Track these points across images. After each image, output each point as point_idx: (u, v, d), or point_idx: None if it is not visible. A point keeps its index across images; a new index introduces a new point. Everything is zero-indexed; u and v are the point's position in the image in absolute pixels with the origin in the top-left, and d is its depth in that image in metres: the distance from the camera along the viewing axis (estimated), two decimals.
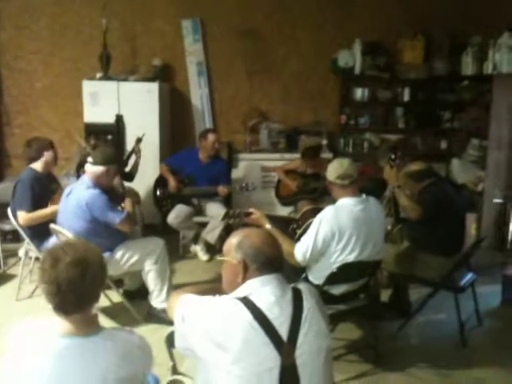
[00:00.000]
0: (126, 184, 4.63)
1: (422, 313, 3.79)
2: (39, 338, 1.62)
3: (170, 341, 1.99)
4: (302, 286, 1.87)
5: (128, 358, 1.65)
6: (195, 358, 1.77)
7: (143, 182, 5.23)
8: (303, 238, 3.01)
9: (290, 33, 6.33)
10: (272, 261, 1.81)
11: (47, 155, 4.11)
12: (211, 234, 5.07)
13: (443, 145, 6.53)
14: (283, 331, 1.69)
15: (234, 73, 6.37)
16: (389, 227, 4.16)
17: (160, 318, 3.70)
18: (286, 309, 1.73)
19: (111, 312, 3.89)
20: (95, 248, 1.71)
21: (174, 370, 2.19)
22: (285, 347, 1.68)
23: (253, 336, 1.66)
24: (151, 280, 3.76)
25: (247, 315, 1.68)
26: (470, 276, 3.74)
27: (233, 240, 1.87)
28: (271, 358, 1.66)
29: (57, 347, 1.58)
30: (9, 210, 4.06)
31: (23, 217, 3.91)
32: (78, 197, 3.57)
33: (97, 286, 1.67)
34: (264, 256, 1.80)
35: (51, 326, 1.64)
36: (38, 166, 4.09)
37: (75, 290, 1.58)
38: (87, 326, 1.64)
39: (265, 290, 1.76)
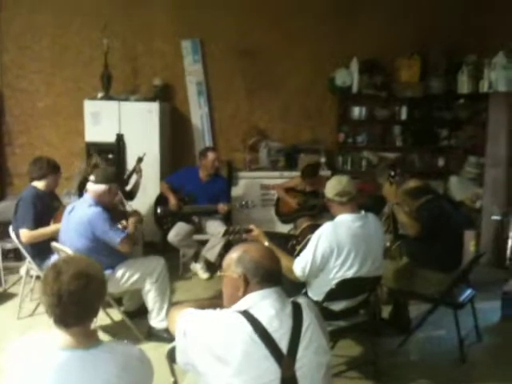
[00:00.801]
0: (130, 204, 4.67)
1: (422, 329, 3.81)
2: (40, 351, 1.64)
3: (171, 356, 2.01)
4: (301, 299, 1.90)
5: (128, 369, 1.67)
6: (196, 372, 1.79)
7: (144, 201, 5.27)
8: (302, 254, 3.04)
9: (288, 52, 6.43)
10: (272, 274, 1.84)
11: (51, 178, 4.15)
12: (211, 252, 5.09)
13: (440, 162, 6.60)
14: (283, 344, 1.72)
15: (234, 92, 6.46)
16: (388, 243, 4.18)
17: (160, 337, 3.70)
18: (285, 322, 1.76)
19: (112, 330, 3.89)
20: (96, 263, 1.75)
21: None
22: (285, 360, 1.70)
23: (253, 349, 1.68)
24: (151, 299, 3.77)
25: (248, 328, 1.70)
26: (469, 292, 3.76)
27: (233, 255, 1.90)
28: (271, 371, 1.68)
29: (58, 360, 1.60)
30: (10, 228, 4.09)
31: (25, 234, 3.93)
32: (79, 215, 3.61)
33: (97, 300, 1.70)
34: (264, 269, 1.83)
35: (51, 339, 1.66)
36: (40, 184, 4.13)
37: (76, 302, 1.61)
38: (87, 339, 1.67)
39: (265, 304, 1.78)
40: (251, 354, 1.68)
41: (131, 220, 3.91)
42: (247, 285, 1.83)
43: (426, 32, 6.33)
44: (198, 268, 5.27)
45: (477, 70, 5.90)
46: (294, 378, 1.71)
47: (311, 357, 1.75)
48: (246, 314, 1.74)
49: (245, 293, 1.83)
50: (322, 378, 1.77)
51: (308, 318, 1.81)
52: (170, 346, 2.05)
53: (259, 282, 1.82)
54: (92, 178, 3.72)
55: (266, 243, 3.14)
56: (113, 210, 3.82)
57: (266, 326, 1.72)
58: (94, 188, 3.69)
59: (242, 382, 1.66)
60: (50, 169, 4.16)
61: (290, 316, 1.78)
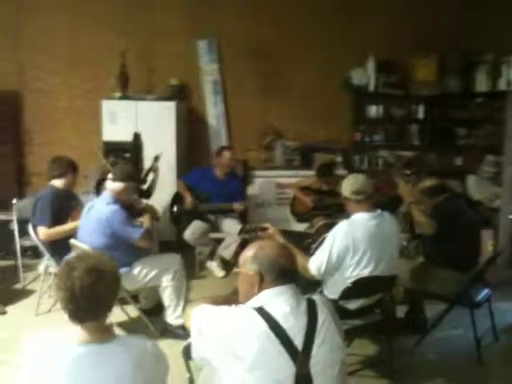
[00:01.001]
0: (145, 201, 4.71)
1: (438, 329, 3.78)
2: (55, 346, 1.67)
3: (186, 352, 2.02)
4: (316, 297, 1.91)
5: (142, 364, 1.69)
6: (211, 368, 1.81)
7: (160, 199, 5.29)
8: (317, 252, 3.05)
9: (302, 52, 6.42)
10: (287, 271, 1.86)
11: (69, 177, 4.21)
12: (227, 250, 5.12)
13: (458, 162, 6.53)
14: (298, 341, 1.73)
15: (249, 91, 6.47)
16: (404, 243, 4.17)
17: (176, 334, 3.72)
18: (300, 319, 1.77)
19: (128, 327, 3.93)
20: (109, 259, 1.79)
21: (191, 382, 2.22)
22: (299, 357, 1.71)
23: (268, 345, 1.69)
24: (167, 296, 3.80)
25: (263, 325, 1.72)
26: (485, 292, 3.73)
27: (248, 252, 1.92)
28: (286, 368, 1.69)
29: (73, 355, 1.63)
30: (29, 226, 4.15)
31: (43, 232, 3.99)
32: (98, 212, 3.66)
33: (110, 294, 1.73)
34: (279, 267, 1.84)
35: (67, 335, 1.69)
36: (58, 183, 4.18)
37: (89, 296, 1.63)
38: (102, 334, 1.69)
39: (280, 300, 1.80)
40: (266, 350, 1.69)
41: (147, 215, 3.94)
42: (262, 282, 1.85)
43: (443, 30, 6.26)
44: (213, 266, 5.29)
45: (494, 68, 5.85)
46: (308, 374, 1.72)
47: (326, 354, 1.76)
48: (261, 311, 1.76)
49: (260, 289, 1.84)
50: (337, 375, 1.78)
51: (323, 315, 1.82)
52: (185, 342, 2.07)
53: (274, 280, 1.83)
54: (110, 176, 3.77)
55: (282, 241, 3.15)
56: (130, 208, 3.86)
57: (281, 322, 1.73)
58: (112, 186, 3.74)
59: (256, 377, 1.67)
60: (69, 168, 4.22)
61: (305, 313, 1.79)
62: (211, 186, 5.26)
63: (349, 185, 3.18)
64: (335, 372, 1.77)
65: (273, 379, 1.68)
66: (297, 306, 1.80)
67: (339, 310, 2.69)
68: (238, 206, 5.15)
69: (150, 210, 4.07)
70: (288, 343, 1.71)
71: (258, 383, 1.67)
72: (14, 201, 4.83)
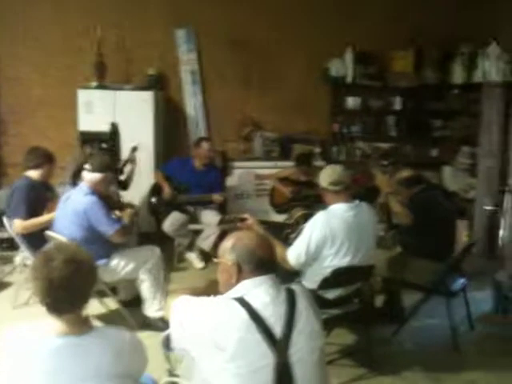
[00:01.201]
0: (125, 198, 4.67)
1: (415, 318, 3.84)
2: (33, 339, 1.65)
3: (166, 343, 2.02)
4: (295, 286, 1.92)
5: (121, 354, 1.69)
6: (191, 359, 1.81)
7: (138, 190, 5.26)
8: (296, 243, 3.06)
9: (282, 43, 6.42)
10: (265, 262, 1.86)
11: (46, 168, 4.15)
12: (206, 242, 5.11)
13: (434, 153, 6.62)
14: (277, 330, 1.74)
15: (228, 82, 6.44)
16: (382, 233, 4.21)
17: (156, 326, 3.69)
18: (279, 308, 1.78)
19: (107, 319, 3.90)
20: (85, 250, 1.77)
21: (171, 374, 2.22)
22: (278, 345, 1.72)
23: (248, 335, 1.70)
24: (146, 289, 3.77)
25: (242, 314, 1.72)
26: (461, 281, 3.79)
27: (227, 243, 1.93)
28: (266, 356, 1.70)
29: (50, 346, 1.62)
30: (4, 218, 4.09)
31: (19, 224, 3.93)
32: (75, 204, 3.60)
33: (88, 286, 1.72)
34: (257, 257, 1.85)
35: (44, 327, 1.67)
36: (34, 174, 4.12)
37: (67, 287, 1.62)
38: (80, 326, 1.68)
39: (259, 290, 1.81)
40: (246, 339, 1.70)
41: (128, 211, 3.90)
42: (240, 272, 1.86)
43: (421, 22, 6.31)
44: (193, 257, 5.28)
45: (470, 60, 5.92)
46: (288, 363, 1.73)
47: (305, 342, 1.77)
48: (241, 301, 1.76)
49: (238, 280, 1.85)
50: (316, 362, 1.80)
51: (302, 303, 1.83)
52: (164, 333, 2.06)
53: (252, 270, 1.84)
54: (87, 166, 3.71)
55: (261, 231, 3.15)
56: (107, 199, 3.81)
57: (260, 312, 1.74)
58: (89, 177, 3.68)
59: (236, 366, 1.68)
60: (46, 158, 4.16)
61: (284, 302, 1.80)
62: (190, 176, 5.24)
63: (327, 176, 3.20)
64: (314, 359, 1.79)
65: (253, 368, 1.69)
66: (276, 296, 1.81)
67: (318, 300, 2.73)
68: (217, 197, 5.14)
69: (130, 207, 4.03)
70: (267, 332, 1.72)
71: (239, 372, 1.68)
72: None
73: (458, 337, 3.63)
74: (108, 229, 3.59)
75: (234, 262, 1.86)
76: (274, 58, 6.45)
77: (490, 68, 5.42)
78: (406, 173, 4.00)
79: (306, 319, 1.81)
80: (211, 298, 1.84)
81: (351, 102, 6.49)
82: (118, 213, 3.92)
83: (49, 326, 1.66)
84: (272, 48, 6.42)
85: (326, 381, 1.87)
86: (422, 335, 3.85)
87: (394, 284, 3.95)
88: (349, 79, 6.33)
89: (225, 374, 1.69)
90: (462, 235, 5.36)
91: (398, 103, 6.51)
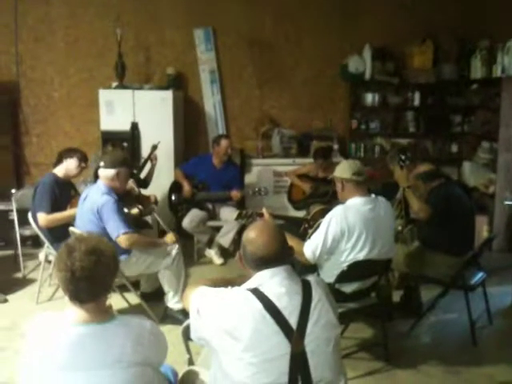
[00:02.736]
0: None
1: (433, 312, 3.86)
2: (56, 327, 1.71)
3: (186, 333, 2.07)
4: (310, 277, 1.96)
5: (141, 343, 1.73)
6: (209, 348, 1.86)
7: (158, 188, 5.33)
8: (313, 237, 3.09)
9: (298, 40, 6.47)
10: (270, 258, 1.87)
11: (69, 162, 4.21)
12: (225, 238, 5.16)
13: (454, 148, 6.59)
14: (292, 320, 1.77)
15: (246, 80, 6.50)
16: (399, 228, 4.21)
17: (176, 318, 3.76)
18: (295, 299, 1.81)
19: (128, 313, 3.96)
20: (106, 240, 1.82)
21: (190, 362, 2.27)
22: (294, 335, 1.76)
23: (263, 325, 1.74)
24: (167, 281, 3.84)
25: (258, 305, 1.76)
26: (480, 275, 3.77)
27: (243, 236, 1.99)
28: (281, 346, 1.74)
29: (72, 334, 1.67)
30: (29, 215, 4.18)
31: (43, 218, 4.01)
32: (91, 203, 3.63)
33: (109, 275, 1.76)
34: (257, 258, 1.89)
35: (67, 316, 1.73)
36: (59, 171, 4.21)
37: (88, 277, 1.67)
38: (101, 314, 1.73)
39: (275, 281, 1.84)
40: (261, 330, 1.74)
41: (171, 235, 3.84)
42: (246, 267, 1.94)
43: (438, 17, 6.29)
44: (212, 254, 5.34)
45: (490, 54, 5.87)
46: (303, 352, 1.76)
47: (320, 332, 1.80)
48: (256, 292, 1.80)
49: (253, 272, 1.91)
50: (331, 352, 1.83)
51: (317, 294, 1.86)
52: (185, 323, 2.11)
53: (255, 267, 1.90)
54: (101, 163, 3.73)
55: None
56: (127, 196, 3.86)
57: (275, 302, 1.78)
58: (103, 173, 3.70)
59: (252, 356, 1.72)
60: (71, 154, 4.25)
61: (300, 293, 1.84)
62: (209, 174, 5.30)
63: (348, 167, 3.21)
64: (329, 349, 1.82)
65: (269, 358, 1.73)
66: (291, 286, 1.84)
67: (335, 293, 2.74)
68: (235, 193, 5.19)
69: (150, 199, 4.04)
70: (283, 322, 1.76)
71: (255, 362, 1.72)
72: (13, 191, 4.86)
73: (476, 331, 3.61)
74: (113, 231, 3.56)
75: (240, 256, 1.98)
76: (290, 57, 6.48)
77: (509, 63, 5.37)
78: (424, 167, 4.00)
79: (322, 310, 1.84)
80: (227, 290, 1.89)
81: (370, 98, 6.49)
82: (140, 206, 3.95)
83: (71, 315, 1.72)
84: (288, 47, 6.46)
85: (341, 371, 1.89)
86: (439, 330, 3.84)
87: (412, 279, 3.95)
88: (367, 76, 6.32)
89: (240, 364, 1.73)
90: (483, 231, 5.33)
91: (416, 99, 6.48)
